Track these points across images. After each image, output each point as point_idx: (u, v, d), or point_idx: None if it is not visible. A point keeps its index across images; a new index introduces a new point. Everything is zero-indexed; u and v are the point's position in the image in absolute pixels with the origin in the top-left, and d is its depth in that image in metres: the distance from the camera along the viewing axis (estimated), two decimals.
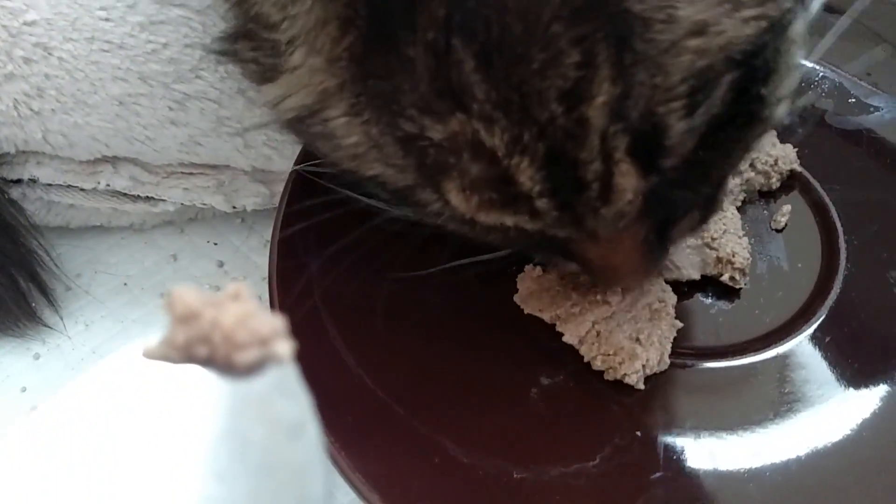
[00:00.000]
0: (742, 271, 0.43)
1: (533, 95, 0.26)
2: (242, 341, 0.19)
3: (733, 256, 0.43)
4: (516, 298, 0.42)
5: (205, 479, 0.18)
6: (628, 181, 0.28)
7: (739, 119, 0.29)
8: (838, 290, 0.43)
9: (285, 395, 0.19)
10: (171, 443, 0.18)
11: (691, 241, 0.43)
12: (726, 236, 0.43)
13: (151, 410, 0.19)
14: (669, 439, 0.37)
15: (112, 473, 0.18)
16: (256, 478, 0.18)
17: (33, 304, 0.50)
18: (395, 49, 0.27)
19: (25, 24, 0.44)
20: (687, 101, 0.27)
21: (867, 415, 0.38)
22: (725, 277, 0.43)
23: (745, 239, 0.44)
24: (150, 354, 0.19)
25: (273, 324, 0.19)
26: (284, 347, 0.19)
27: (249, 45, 0.33)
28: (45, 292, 0.50)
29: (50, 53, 0.45)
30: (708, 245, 0.43)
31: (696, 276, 0.43)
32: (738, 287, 0.43)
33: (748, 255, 0.43)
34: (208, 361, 0.19)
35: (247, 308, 0.19)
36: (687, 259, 0.42)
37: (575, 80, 0.26)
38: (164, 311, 0.19)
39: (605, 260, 0.33)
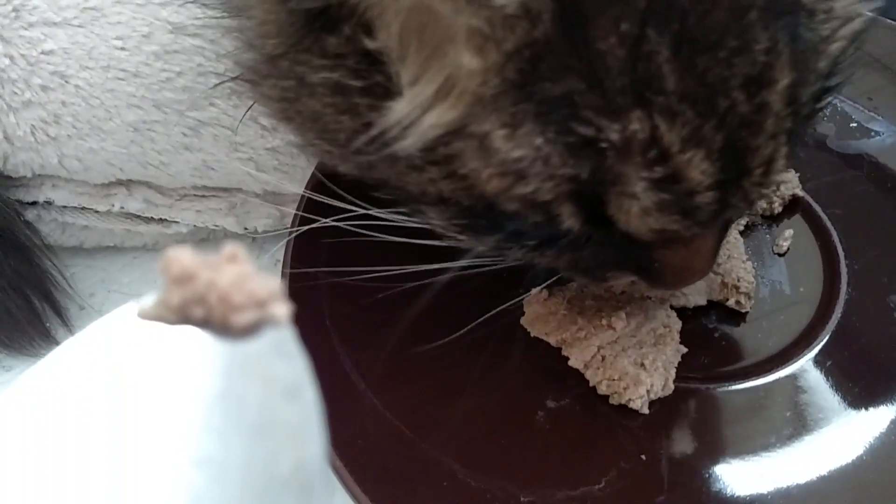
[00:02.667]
0: (748, 295, 0.43)
1: (718, 84, 0.27)
2: (239, 303, 0.19)
3: (738, 281, 0.43)
4: (523, 321, 0.43)
5: (200, 438, 0.18)
6: (782, 164, 0.30)
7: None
8: (840, 315, 0.43)
9: (282, 357, 0.19)
10: (166, 402, 0.18)
11: None
12: (731, 261, 0.44)
13: (147, 371, 0.19)
14: (674, 463, 0.38)
15: (107, 432, 0.18)
16: (252, 438, 0.18)
17: (47, 324, 0.51)
18: (581, 45, 0.26)
19: (43, 53, 0.45)
20: (824, 83, 0.30)
21: (870, 439, 0.39)
22: (731, 302, 0.43)
23: (749, 263, 0.45)
24: (146, 315, 0.19)
25: (270, 286, 0.19)
26: (281, 309, 0.19)
27: (354, 58, 0.30)
28: (59, 312, 0.51)
29: (67, 81, 0.46)
30: (713, 271, 0.44)
31: (703, 301, 0.44)
32: (743, 311, 0.44)
33: (752, 280, 0.44)
34: (204, 323, 0.19)
35: (243, 270, 0.19)
36: (694, 286, 0.43)
37: (762, 65, 0.27)
38: (160, 272, 0.19)
39: (685, 260, 0.33)
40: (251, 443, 0.18)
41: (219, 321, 0.19)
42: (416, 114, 0.29)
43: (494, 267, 0.36)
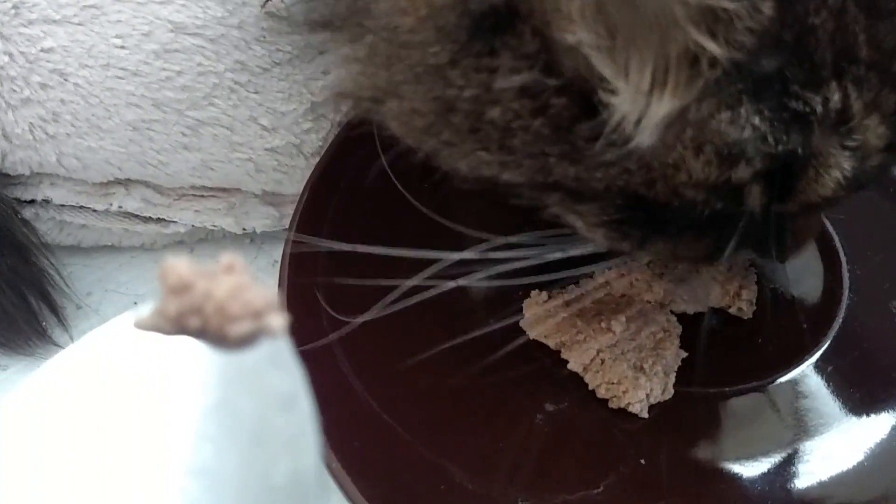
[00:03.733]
0: (750, 302, 0.43)
1: (892, 50, 0.28)
2: (235, 313, 0.19)
3: (741, 289, 0.43)
4: (522, 324, 0.43)
5: (196, 448, 0.18)
6: None
7: None
8: (841, 320, 0.43)
9: (278, 368, 0.19)
10: (162, 412, 0.18)
11: (700, 273, 0.43)
12: (734, 268, 0.44)
13: (143, 380, 0.19)
14: (673, 468, 0.38)
15: (103, 441, 0.18)
16: (248, 448, 0.18)
17: (44, 323, 0.50)
18: (794, 19, 0.27)
19: (42, 50, 0.45)
20: None
21: (871, 445, 0.39)
22: (733, 309, 0.43)
23: (752, 269, 0.44)
24: (142, 325, 0.19)
25: (267, 297, 0.19)
26: (278, 320, 0.19)
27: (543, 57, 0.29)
28: (56, 311, 0.51)
29: (66, 79, 0.45)
30: (715, 278, 0.43)
31: (704, 308, 0.43)
32: (745, 318, 0.43)
33: (755, 287, 0.44)
34: (200, 333, 0.19)
35: (240, 280, 0.19)
36: (694, 292, 0.43)
37: None
38: (157, 281, 0.19)
39: (812, 225, 0.35)
40: (246, 453, 0.18)
41: (215, 331, 0.19)
42: (641, 107, 0.28)
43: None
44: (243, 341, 0.19)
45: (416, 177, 0.37)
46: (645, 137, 0.28)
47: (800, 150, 0.29)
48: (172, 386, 0.19)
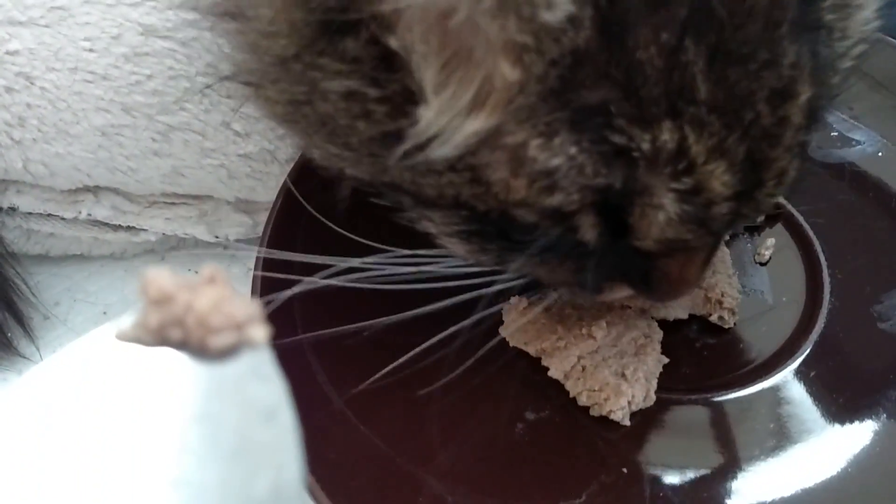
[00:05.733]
0: (731, 311, 0.43)
1: (745, 97, 0.27)
2: (217, 325, 0.19)
3: (722, 297, 0.43)
4: (501, 330, 0.42)
5: (178, 460, 0.18)
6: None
7: None
8: (823, 325, 0.43)
9: (259, 380, 0.19)
10: (144, 424, 0.18)
11: None
12: (716, 276, 0.43)
13: (124, 392, 0.19)
14: (656, 476, 0.37)
15: (84, 453, 0.18)
16: (229, 460, 0.18)
17: (9, 334, 0.49)
18: (621, 53, 0.26)
19: (8, 53, 0.44)
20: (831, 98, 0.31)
21: (853, 450, 0.38)
22: (714, 317, 0.43)
23: (735, 278, 0.44)
24: (123, 337, 0.19)
25: (248, 309, 0.19)
26: (259, 332, 0.19)
27: (371, 63, 0.29)
28: (22, 322, 0.50)
29: (32, 83, 0.44)
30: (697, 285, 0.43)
31: (685, 315, 0.43)
32: (726, 327, 0.43)
33: (738, 296, 0.43)
34: (182, 344, 0.19)
35: (222, 292, 0.19)
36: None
37: (787, 79, 0.28)
38: (139, 293, 0.19)
39: (682, 271, 0.33)
40: (228, 464, 0.18)
41: (196, 343, 0.19)
42: (449, 122, 0.28)
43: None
44: (225, 353, 0.19)
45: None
46: (445, 150, 0.29)
47: (618, 185, 0.28)
48: (154, 397, 0.19)
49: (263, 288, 0.42)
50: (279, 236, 0.44)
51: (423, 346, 0.38)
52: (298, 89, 0.32)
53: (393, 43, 0.28)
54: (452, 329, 0.38)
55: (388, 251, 0.37)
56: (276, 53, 0.31)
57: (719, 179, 0.28)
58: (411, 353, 0.38)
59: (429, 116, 0.28)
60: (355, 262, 0.37)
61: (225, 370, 0.19)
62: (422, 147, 0.29)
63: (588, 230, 0.30)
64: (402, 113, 0.29)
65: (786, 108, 0.28)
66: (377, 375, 0.39)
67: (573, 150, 0.27)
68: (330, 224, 0.40)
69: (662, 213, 0.29)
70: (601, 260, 0.33)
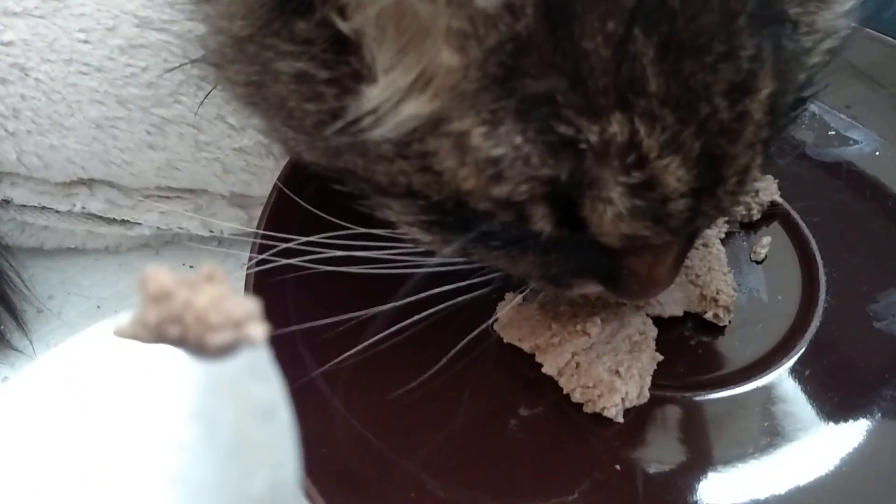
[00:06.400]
0: (727, 309, 0.42)
1: (700, 90, 0.26)
2: (215, 323, 0.19)
3: (717, 294, 0.42)
4: (496, 327, 0.42)
5: (175, 457, 0.18)
6: (757, 174, 0.30)
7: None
8: (818, 324, 0.43)
9: (257, 378, 0.19)
10: (141, 421, 0.18)
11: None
12: (711, 273, 0.43)
13: (122, 389, 0.19)
14: (649, 473, 0.37)
15: (81, 450, 0.18)
16: (226, 458, 0.18)
17: (2, 327, 0.49)
18: (565, 42, 0.26)
19: (2, 43, 0.44)
20: (800, 94, 0.30)
21: (847, 449, 0.38)
22: (709, 315, 0.43)
23: (731, 276, 0.44)
24: (122, 333, 0.19)
25: (247, 307, 0.19)
26: (258, 331, 0.19)
27: (322, 46, 0.29)
28: (15, 315, 0.50)
29: (27, 74, 0.44)
30: (692, 282, 0.43)
31: (679, 312, 0.43)
32: (721, 325, 0.43)
33: (733, 293, 0.43)
34: (180, 342, 0.19)
35: (221, 290, 0.19)
36: (671, 296, 0.42)
37: (746, 72, 0.27)
38: (137, 289, 0.19)
39: (651, 269, 0.33)
40: (225, 463, 0.18)
41: (195, 341, 0.19)
42: (391, 102, 0.28)
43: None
44: (223, 351, 0.19)
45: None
46: (381, 132, 0.28)
47: (565, 177, 0.27)
48: (151, 394, 0.19)
49: (258, 275, 0.42)
50: (275, 222, 0.43)
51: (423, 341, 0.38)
52: (253, 69, 0.32)
53: (344, 26, 0.28)
54: (431, 311, 0.38)
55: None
56: (233, 34, 0.31)
57: (673, 175, 0.28)
58: (408, 349, 0.38)
59: (373, 95, 0.28)
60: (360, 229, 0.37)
61: (223, 368, 0.19)
62: (359, 125, 0.29)
63: (540, 221, 0.29)
64: (350, 96, 0.29)
65: (745, 102, 0.28)
66: (357, 349, 0.38)
67: (518, 139, 0.27)
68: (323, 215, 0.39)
69: (611, 207, 0.28)
70: (567, 254, 0.32)
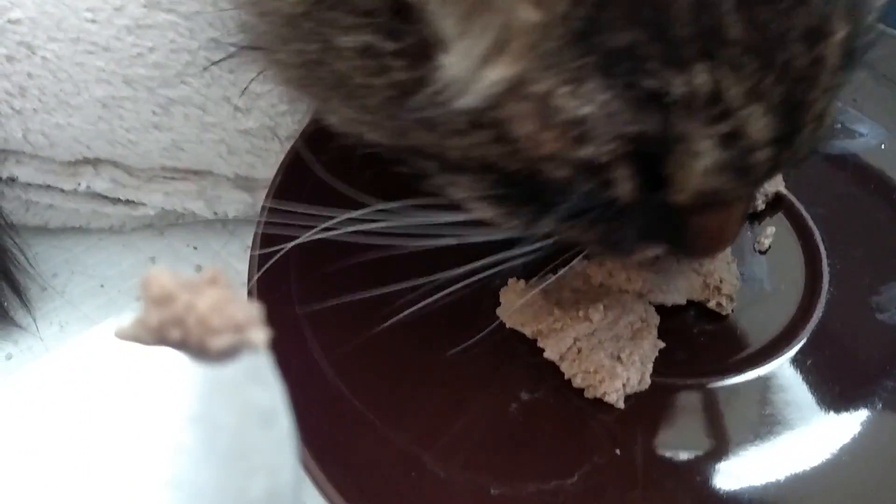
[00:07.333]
0: (730, 297, 0.42)
1: (778, 36, 0.26)
2: (217, 326, 0.19)
3: (721, 283, 0.42)
4: (499, 312, 0.42)
5: (174, 461, 0.18)
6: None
7: None
8: (820, 314, 0.42)
9: (258, 383, 0.19)
10: (141, 423, 0.18)
11: (680, 265, 0.43)
12: (715, 262, 0.43)
13: (122, 391, 0.19)
14: (649, 459, 0.37)
15: (81, 451, 0.18)
16: (225, 463, 0.18)
17: (5, 304, 0.49)
18: None
19: (10, 21, 0.44)
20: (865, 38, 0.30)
21: (847, 439, 0.38)
22: (712, 304, 0.42)
23: (734, 265, 0.44)
24: (123, 335, 0.19)
25: (249, 311, 0.19)
26: (259, 335, 0.19)
27: (386, 16, 0.29)
28: (19, 292, 0.50)
29: (33, 52, 0.44)
30: (696, 271, 0.43)
31: (682, 301, 0.43)
32: (724, 313, 0.43)
33: (737, 282, 0.43)
34: (181, 344, 0.19)
35: (223, 293, 0.19)
36: (674, 284, 0.42)
37: (821, 16, 0.27)
38: (139, 291, 0.19)
39: (719, 226, 0.33)
40: (224, 467, 0.18)
41: (196, 344, 0.19)
42: (470, 69, 0.27)
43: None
44: (224, 354, 0.19)
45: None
46: (468, 100, 0.27)
47: (653, 132, 0.27)
48: (151, 397, 0.19)
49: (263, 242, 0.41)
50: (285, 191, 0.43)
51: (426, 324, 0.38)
52: (312, 48, 0.31)
53: None
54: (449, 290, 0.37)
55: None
56: (286, 12, 0.30)
57: (757, 124, 0.27)
58: (411, 331, 0.38)
59: (448, 65, 0.27)
60: (379, 205, 0.36)
61: (223, 372, 0.19)
62: (440, 99, 0.28)
63: (623, 183, 0.29)
64: (419, 67, 0.28)
65: (821, 47, 0.27)
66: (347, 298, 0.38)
67: (604, 96, 0.26)
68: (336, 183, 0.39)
69: (700, 161, 0.28)
70: (635, 218, 0.32)
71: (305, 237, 0.37)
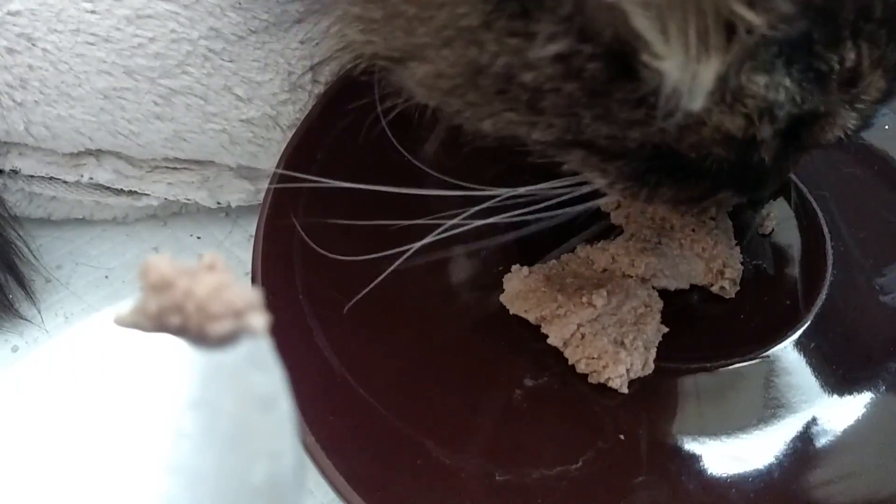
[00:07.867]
0: (733, 281, 0.42)
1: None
2: (216, 312, 0.19)
3: (724, 267, 0.42)
4: (502, 298, 0.42)
5: (173, 446, 0.18)
6: None
7: None
8: (824, 297, 0.43)
9: (258, 368, 0.19)
10: (140, 409, 0.18)
11: (683, 250, 0.43)
12: (718, 247, 0.43)
13: (121, 377, 0.19)
14: (653, 444, 0.37)
15: (80, 438, 0.18)
16: (225, 448, 0.18)
17: (10, 297, 0.49)
18: None
19: (9, 13, 0.43)
20: None
21: (851, 422, 0.38)
22: (716, 288, 0.43)
23: (737, 249, 0.44)
24: (122, 322, 0.19)
25: (248, 296, 0.19)
26: (259, 320, 0.19)
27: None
28: (23, 284, 0.50)
29: (34, 44, 0.44)
30: (699, 255, 0.43)
31: (685, 285, 0.43)
32: (727, 297, 0.43)
33: (740, 266, 0.43)
34: (181, 331, 0.19)
35: (222, 279, 0.19)
36: (677, 268, 0.42)
37: None
38: (138, 278, 0.19)
39: (788, 165, 0.35)
40: (224, 452, 0.18)
41: (195, 330, 0.19)
42: (690, 73, 0.27)
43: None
44: (223, 340, 0.19)
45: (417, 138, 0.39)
46: (697, 103, 0.28)
47: (822, 109, 0.30)
48: (151, 383, 0.19)
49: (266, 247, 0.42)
50: (282, 195, 0.43)
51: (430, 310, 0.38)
52: (489, 59, 0.30)
53: None
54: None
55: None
56: (457, 26, 0.29)
57: (876, 86, 0.30)
58: (415, 318, 0.38)
59: (673, 72, 0.27)
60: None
61: (223, 357, 0.19)
62: (670, 107, 0.28)
63: (770, 151, 0.32)
64: (616, 68, 0.28)
65: None
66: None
67: (787, 81, 0.28)
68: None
69: (841, 128, 0.31)
70: (725, 172, 0.33)
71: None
